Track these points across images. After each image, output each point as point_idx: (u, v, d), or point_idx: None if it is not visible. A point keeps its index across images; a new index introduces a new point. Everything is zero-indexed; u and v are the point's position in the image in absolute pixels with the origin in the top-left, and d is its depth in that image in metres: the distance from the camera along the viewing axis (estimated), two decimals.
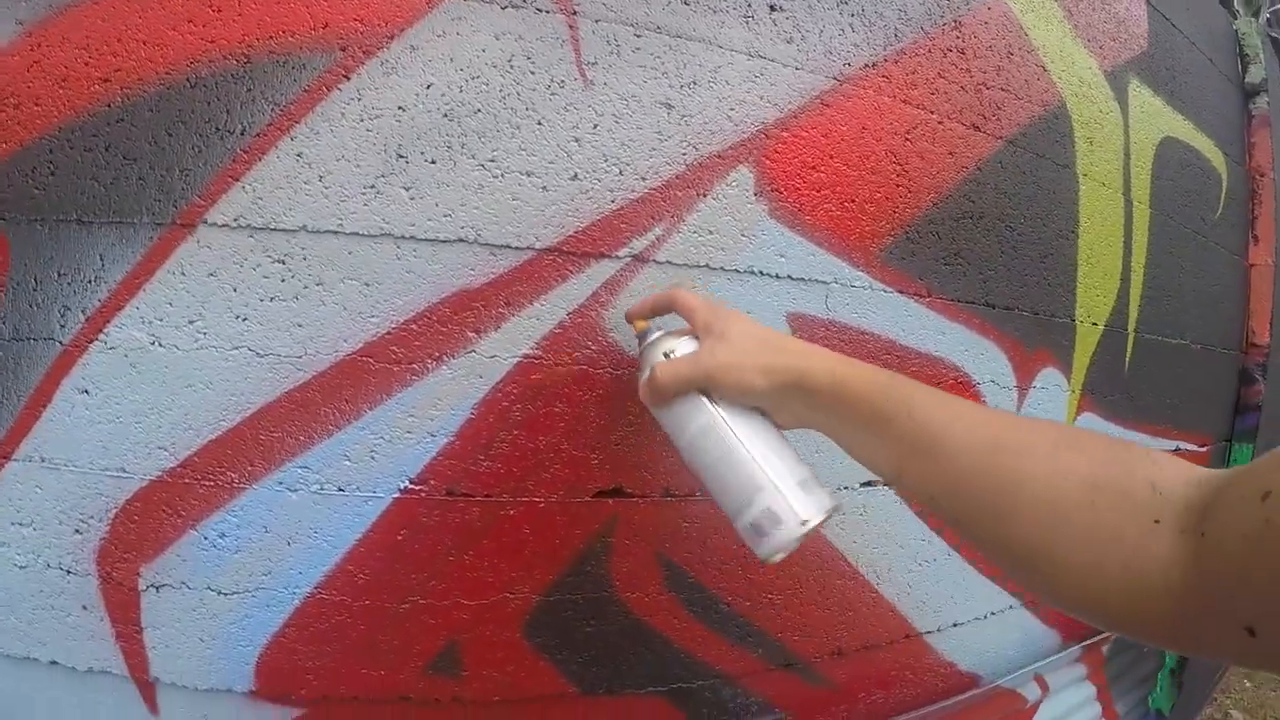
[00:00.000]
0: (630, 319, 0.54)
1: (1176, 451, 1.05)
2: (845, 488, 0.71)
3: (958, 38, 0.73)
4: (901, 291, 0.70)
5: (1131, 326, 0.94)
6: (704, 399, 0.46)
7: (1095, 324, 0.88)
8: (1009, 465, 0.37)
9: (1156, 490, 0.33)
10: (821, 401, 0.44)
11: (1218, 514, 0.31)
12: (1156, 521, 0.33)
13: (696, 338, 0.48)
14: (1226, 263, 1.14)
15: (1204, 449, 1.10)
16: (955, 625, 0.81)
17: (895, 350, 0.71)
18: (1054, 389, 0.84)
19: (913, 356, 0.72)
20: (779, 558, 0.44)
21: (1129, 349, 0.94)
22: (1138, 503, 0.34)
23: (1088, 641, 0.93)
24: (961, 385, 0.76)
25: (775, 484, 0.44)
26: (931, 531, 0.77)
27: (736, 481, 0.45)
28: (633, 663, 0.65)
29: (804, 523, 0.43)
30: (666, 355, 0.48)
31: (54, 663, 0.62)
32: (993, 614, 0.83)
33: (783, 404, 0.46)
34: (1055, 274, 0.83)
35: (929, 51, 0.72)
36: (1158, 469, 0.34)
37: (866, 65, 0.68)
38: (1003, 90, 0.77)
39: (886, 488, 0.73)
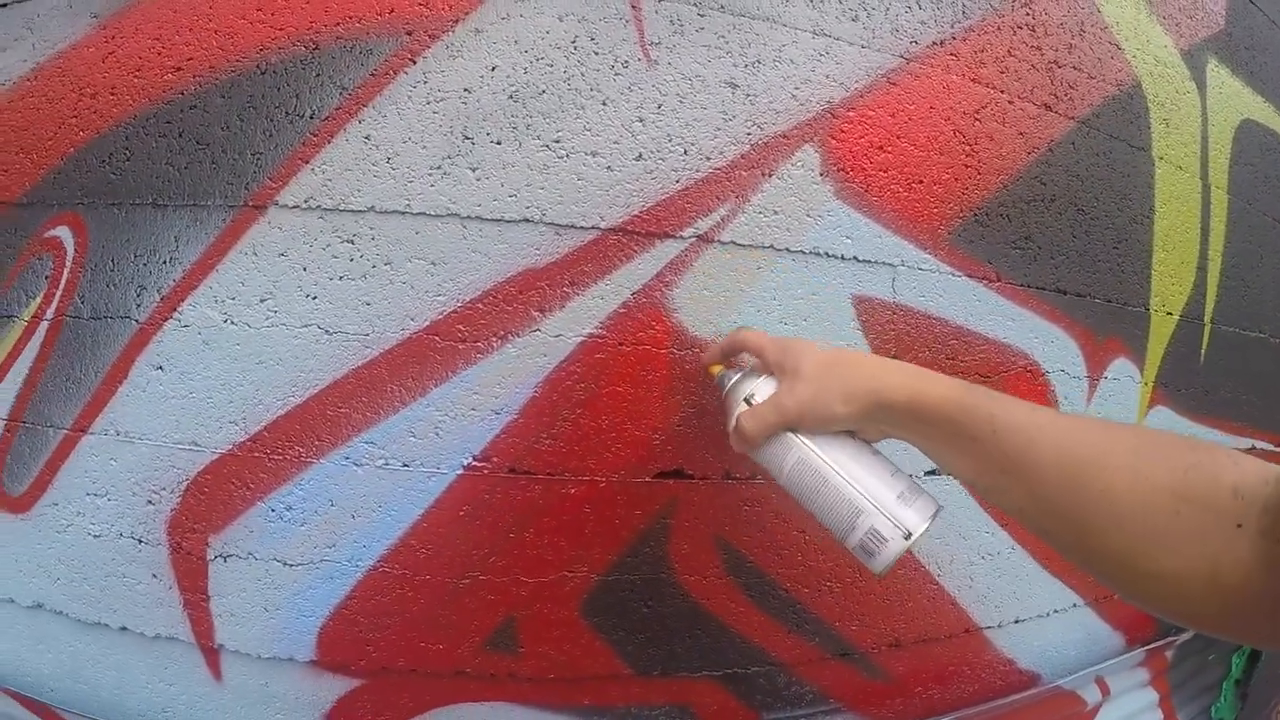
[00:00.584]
0: (704, 366, 0.55)
1: (1252, 450, 1.00)
2: (909, 474, 0.69)
3: (1028, 14, 0.71)
4: (970, 275, 0.68)
5: (1208, 317, 0.90)
6: (792, 435, 0.47)
7: (1170, 314, 0.85)
8: (1094, 480, 0.37)
9: (1238, 495, 0.34)
10: (902, 420, 0.45)
11: None
12: (1239, 526, 0.33)
13: (772, 375, 0.49)
14: None
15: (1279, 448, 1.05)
16: (1017, 621, 0.78)
17: (963, 336, 0.69)
18: (1126, 380, 0.81)
19: (980, 342, 0.70)
20: (890, 569, 0.45)
21: (1205, 341, 0.89)
22: (1221, 509, 0.34)
23: (1152, 645, 0.89)
24: (1030, 373, 0.73)
25: (874, 504, 0.45)
26: (996, 524, 0.74)
27: (838, 508, 0.46)
28: (688, 645, 0.65)
29: (908, 535, 0.44)
30: (748, 400, 0.49)
31: (124, 628, 0.64)
32: (1056, 612, 0.80)
33: (866, 424, 0.47)
34: (1129, 260, 0.80)
35: (998, 29, 0.69)
36: (1239, 471, 0.34)
37: (934, 43, 0.66)
38: (1075, 69, 0.74)
39: (950, 477, 0.71)
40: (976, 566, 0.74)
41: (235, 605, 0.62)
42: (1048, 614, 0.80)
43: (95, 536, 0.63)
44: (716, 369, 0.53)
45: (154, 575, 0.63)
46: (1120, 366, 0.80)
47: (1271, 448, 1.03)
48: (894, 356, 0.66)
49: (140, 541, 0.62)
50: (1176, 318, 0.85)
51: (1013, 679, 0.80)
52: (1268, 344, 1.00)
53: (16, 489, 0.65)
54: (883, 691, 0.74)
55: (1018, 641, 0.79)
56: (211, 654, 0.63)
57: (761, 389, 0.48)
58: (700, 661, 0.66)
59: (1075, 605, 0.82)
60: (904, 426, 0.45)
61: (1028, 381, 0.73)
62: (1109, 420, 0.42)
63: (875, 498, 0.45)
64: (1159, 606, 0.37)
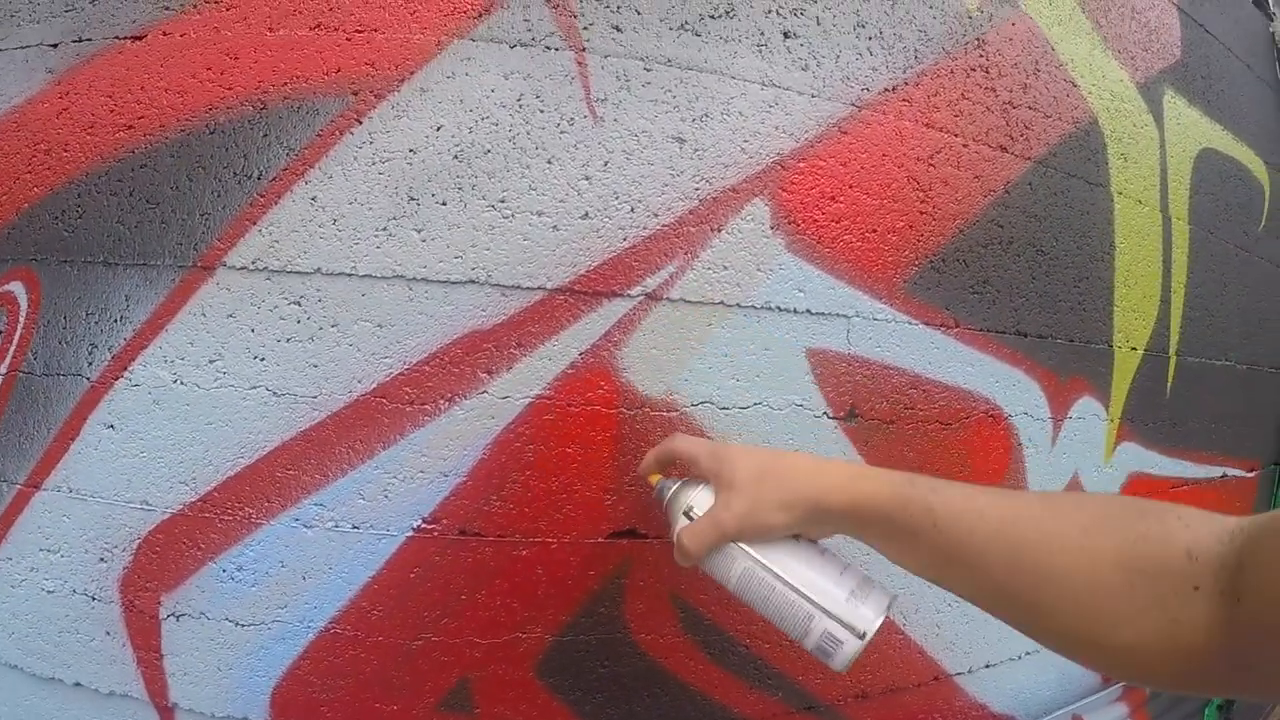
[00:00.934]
0: (643, 474, 0.54)
1: (1223, 478, 0.99)
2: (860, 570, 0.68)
3: (981, 56, 0.71)
4: (927, 323, 0.68)
5: (1173, 349, 0.89)
6: (735, 546, 0.47)
7: (1134, 349, 0.84)
8: (1041, 564, 0.37)
9: (1192, 557, 0.33)
10: (842, 522, 0.45)
11: (1251, 577, 0.31)
12: (1196, 589, 0.33)
13: (709, 483, 0.48)
14: (1272, 277, 1.08)
15: (1252, 474, 1.04)
16: (988, 666, 0.77)
17: (921, 385, 0.68)
18: (1091, 419, 0.81)
19: (939, 390, 0.69)
20: (850, 666, 0.45)
21: (1170, 373, 0.89)
22: (1176, 574, 0.34)
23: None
24: (992, 418, 0.72)
25: (825, 609, 0.45)
26: None
27: (789, 614, 0.46)
28: (648, 705, 0.64)
29: (862, 635, 0.44)
30: (687, 514, 0.48)
31: (78, 684, 0.63)
32: (1027, 654, 0.79)
33: (808, 528, 0.47)
34: (1091, 298, 0.79)
35: (951, 72, 0.69)
36: (1191, 534, 0.34)
37: (886, 89, 0.66)
38: (1030, 109, 0.74)
39: None
40: (943, 614, 0.74)
41: (188, 664, 0.61)
42: (1019, 656, 0.79)
43: (49, 592, 0.63)
44: (654, 478, 0.53)
45: (107, 632, 0.62)
46: (1085, 405, 0.79)
47: (1244, 474, 1.02)
48: (850, 409, 0.65)
49: (93, 599, 0.62)
50: (1141, 352, 0.85)
51: None
52: (1234, 370, 0.99)
53: None
54: None
55: (989, 686, 0.78)
56: (166, 712, 0.63)
57: (700, 500, 0.48)
58: (661, 718, 0.65)
59: None
60: (845, 527, 0.46)
61: (989, 426, 0.72)
62: (1052, 495, 0.41)
63: (825, 601, 0.45)
64: (1121, 674, 0.39)
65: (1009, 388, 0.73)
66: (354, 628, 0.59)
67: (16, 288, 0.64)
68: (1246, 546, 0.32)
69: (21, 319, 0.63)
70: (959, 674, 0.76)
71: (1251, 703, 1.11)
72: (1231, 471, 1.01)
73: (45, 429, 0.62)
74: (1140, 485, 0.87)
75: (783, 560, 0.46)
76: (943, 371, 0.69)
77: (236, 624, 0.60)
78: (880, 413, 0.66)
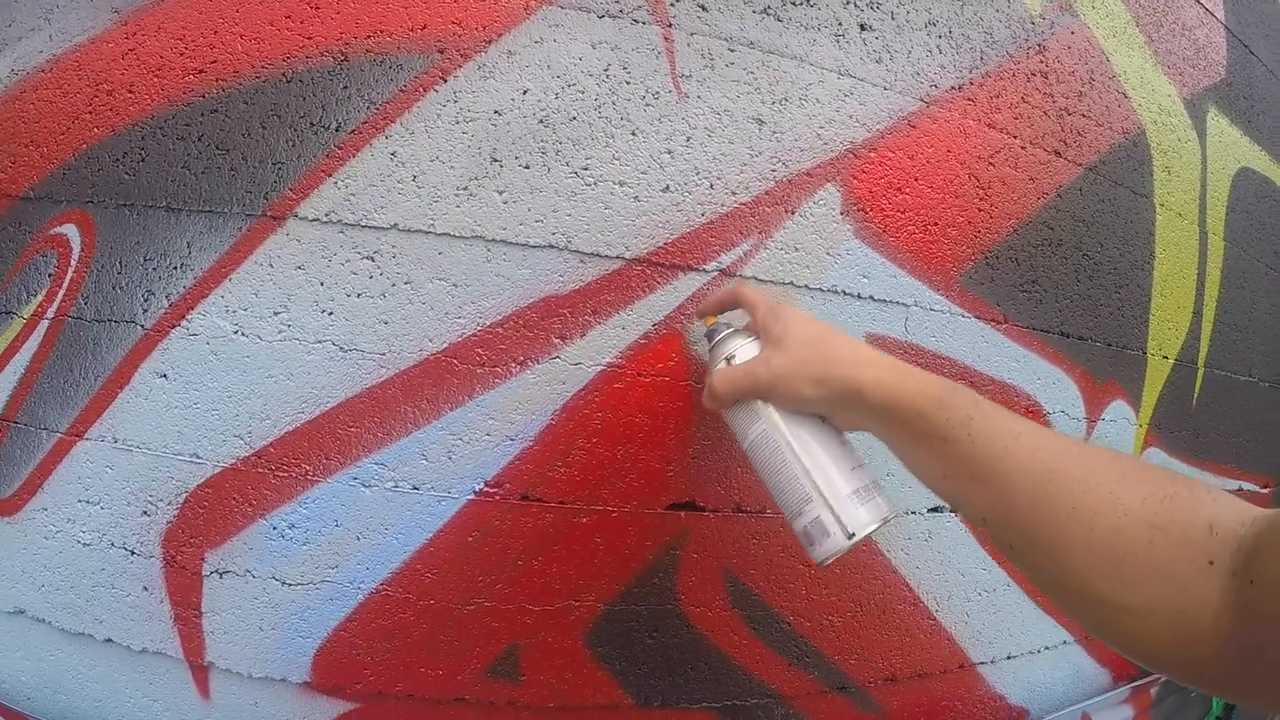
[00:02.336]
0: (699, 316, 0.54)
1: (1239, 491, 1.03)
2: (912, 513, 0.70)
3: (1041, 62, 0.73)
4: (979, 317, 0.69)
5: (1201, 361, 0.92)
6: (762, 405, 0.46)
7: (1166, 357, 0.87)
8: (1067, 498, 0.36)
9: (1214, 531, 0.33)
10: (874, 413, 0.43)
11: (1264, 562, 0.31)
12: (1211, 563, 0.32)
13: (759, 337, 0.48)
14: None
15: (1266, 490, 1.08)
16: (1009, 658, 0.79)
17: (969, 376, 0.70)
18: (1122, 422, 0.83)
19: (986, 383, 0.71)
20: (830, 563, 0.45)
21: (1198, 384, 0.92)
22: (1195, 543, 0.33)
23: (1137, 683, 0.91)
24: (1032, 414, 0.74)
25: (825, 497, 0.44)
26: (993, 561, 0.75)
27: (790, 489, 0.46)
28: (690, 677, 0.65)
29: (850, 535, 0.44)
30: (728, 360, 0.48)
31: (109, 640, 0.62)
32: (1046, 648, 0.82)
33: (838, 411, 0.46)
34: (1130, 305, 0.82)
35: (1013, 75, 0.71)
36: (1216, 508, 0.34)
37: (952, 87, 0.67)
38: (1084, 116, 0.76)
39: (953, 514, 0.72)
40: (973, 603, 0.75)
41: (229, 623, 0.60)
42: (1038, 650, 0.81)
43: (85, 545, 0.61)
44: (710, 320, 0.53)
45: (145, 588, 0.61)
46: (1117, 409, 0.82)
47: (1258, 489, 1.06)
48: None
49: (132, 553, 0.61)
50: (1172, 361, 0.88)
51: (1003, 714, 0.81)
52: (1257, 387, 1.03)
53: (4, 491, 0.63)
54: None
55: (1008, 677, 0.80)
56: (200, 671, 0.62)
57: (744, 350, 0.48)
58: (701, 693, 0.66)
59: (1065, 642, 0.83)
60: (876, 420, 0.44)
61: None
62: (1089, 444, 0.40)
63: (828, 490, 0.44)
64: (1119, 639, 0.36)
65: (1049, 385, 0.75)
66: (405, 590, 0.59)
67: (70, 230, 0.62)
68: (1265, 531, 0.32)
69: (73, 263, 0.61)
70: (982, 663, 0.78)
71: (1253, 712, 1.15)
72: (1247, 485, 1.04)
73: (92, 377, 0.61)
74: None
75: (802, 436, 0.45)
76: (990, 365, 0.71)
77: (283, 583, 0.59)
78: None
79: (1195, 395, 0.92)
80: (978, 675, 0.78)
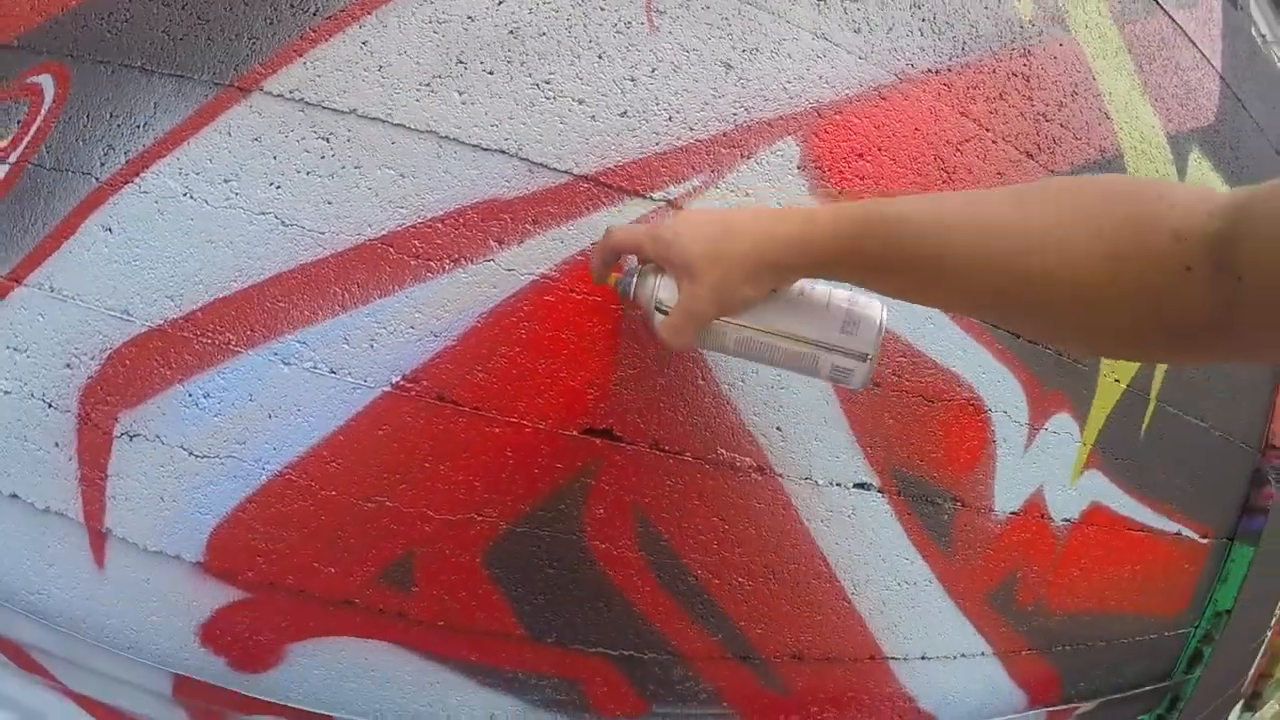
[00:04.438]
0: (597, 282, 0.53)
1: (1178, 536, 1.01)
2: (836, 484, 0.69)
3: (1025, 65, 0.74)
4: None
5: (1154, 393, 0.91)
6: (718, 322, 0.48)
7: (1118, 381, 0.86)
8: (1022, 265, 0.36)
9: (1180, 238, 0.32)
10: (810, 273, 0.45)
11: (1249, 252, 0.30)
12: (1188, 269, 0.32)
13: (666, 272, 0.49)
14: None
15: (1205, 540, 1.06)
16: (923, 658, 0.77)
17: (912, 355, 0.69)
18: (1065, 436, 0.82)
19: (928, 366, 0.70)
20: (869, 380, 0.49)
21: (1148, 416, 0.91)
22: (1165, 257, 0.33)
23: (1054, 709, 0.89)
24: (973, 407, 0.74)
25: (825, 345, 0.47)
26: (916, 552, 0.74)
27: (795, 362, 0.49)
28: (588, 617, 0.63)
29: (866, 357, 0.47)
30: (659, 308, 0.49)
31: (15, 496, 0.61)
32: (963, 656, 0.80)
33: (780, 285, 0.47)
34: None
35: (994, 71, 0.72)
36: (1176, 214, 0.33)
37: (929, 70, 0.68)
38: (1062, 126, 0.77)
39: (880, 494, 0.71)
40: (891, 592, 0.74)
41: (132, 489, 0.60)
42: (954, 657, 0.79)
43: (6, 393, 0.61)
44: (612, 279, 0.53)
45: (56, 444, 0.61)
46: (1061, 421, 0.81)
47: (1197, 538, 1.04)
48: None
49: (50, 405, 0.60)
50: (1124, 386, 0.87)
51: (910, 717, 0.78)
52: (1208, 434, 1.02)
53: None
54: (778, 704, 0.73)
55: (921, 679, 0.78)
56: (98, 538, 0.61)
57: (666, 290, 0.49)
58: (597, 636, 0.64)
59: (983, 654, 0.81)
60: (816, 275, 0.45)
61: (969, 415, 0.74)
62: (1022, 192, 0.38)
63: (822, 340, 0.47)
64: (1114, 356, 0.42)
65: (994, 383, 0.75)
66: (309, 477, 0.58)
67: (45, 80, 0.63)
68: (1242, 221, 0.31)
69: (43, 112, 0.63)
70: (895, 659, 0.76)
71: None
72: (1187, 532, 1.03)
73: (41, 224, 0.61)
74: (1099, 518, 0.88)
75: (768, 319, 0.47)
76: (934, 348, 0.70)
77: (191, 453, 0.59)
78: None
79: (1144, 427, 0.91)
80: (888, 671, 0.76)
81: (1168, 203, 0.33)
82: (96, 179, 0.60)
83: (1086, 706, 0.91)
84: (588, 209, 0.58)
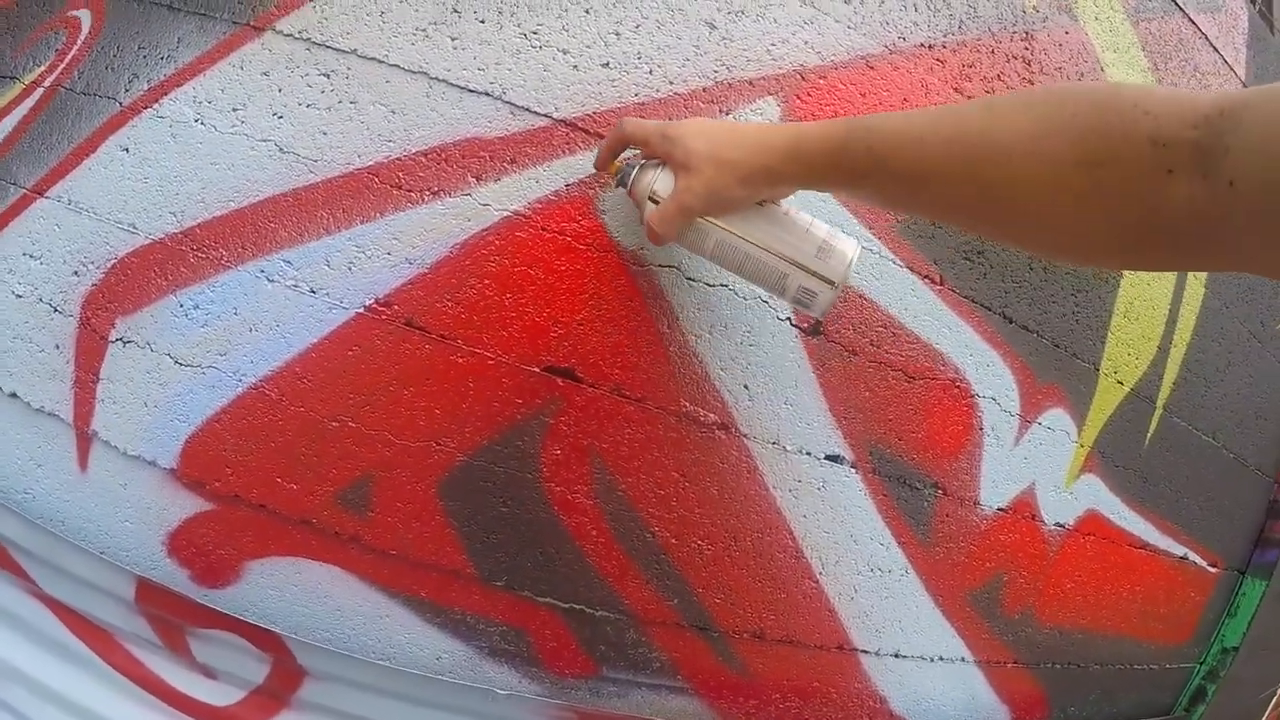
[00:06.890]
0: (599, 169, 0.56)
1: (1183, 560, 0.94)
2: (806, 453, 0.67)
3: (1026, 48, 0.73)
4: (913, 270, 0.68)
5: (1161, 401, 0.86)
6: (704, 221, 0.49)
7: (1121, 383, 0.82)
8: (999, 174, 0.36)
9: (1159, 143, 0.32)
10: (798, 182, 0.48)
11: (1242, 161, 0.30)
12: (1170, 172, 0.32)
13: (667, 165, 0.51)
14: (1277, 378, 1.04)
15: (1214, 569, 0.98)
16: (897, 655, 0.73)
17: (894, 327, 0.68)
18: (1060, 434, 0.78)
19: (911, 341, 0.69)
20: (829, 310, 0.51)
21: (1153, 424, 0.86)
22: (1144, 162, 0.33)
23: None
24: (957, 389, 0.71)
25: (798, 264, 0.49)
26: (892, 537, 0.71)
27: (765, 275, 0.50)
28: (539, 563, 0.63)
29: (833, 284, 0.49)
30: (652, 198, 0.51)
31: (14, 395, 0.65)
32: (941, 659, 0.75)
33: (768, 194, 0.49)
34: (1086, 314, 0.78)
35: (992, 51, 0.72)
36: (1153, 120, 0.32)
37: (922, 44, 0.68)
38: None
39: (853, 469, 0.69)
40: (864, 578, 0.71)
41: (119, 393, 0.63)
42: (932, 659, 0.75)
43: (17, 296, 0.65)
44: (614, 167, 0.55)
45: (57, 346, 0.64)
46: (1056, 418, 0.77)
47: (1205, 565, 0.97)
48: (816, 323, 0.65)
49: (55, 310, 0.64)
50: (1127, 389, 0.83)
51: (880, 719, 0.74)
52: (1220, 454, 0.95)
53: None
54: (736, 686, 0.70)
55: (894, 678, 0.74)
56: (84, 439, 0.64)
57: (662, 183, 0.50)
58: (547, 586, 0.63)
59: (963, 659, 0.76)
60: (804, 185, 0.48)
61: (953, 397, 0.71)
62: (995, 101, 0.38)
63: (796, 258, 0.49)
64: (1102, 265, 0.42)
65: (982, 366, 0.72)
66: (280, 391, 0.60)
67: (83, 14, 0.69)
68: (1229, 131, 0.30)
69: (79, 42, 0.68)
70: (865, 652, 0.72)
71: None
72: (1194, 557, 0.95)
73: (66, 142, 0.66)
74: (1095, 527, 0.83)
75: (750, 228, 0.49)
76: (919, 324, 0.68)
77: (176, 361, 0.62)
78: (845, 340, 0.66)
79: (1149, 435, 0.86)
80: (858, 664, 0.72)
81: (1143, 109, 0.33)
82: (120, 103, 0.64)
83: None
84: (564, 152, 0.60)
